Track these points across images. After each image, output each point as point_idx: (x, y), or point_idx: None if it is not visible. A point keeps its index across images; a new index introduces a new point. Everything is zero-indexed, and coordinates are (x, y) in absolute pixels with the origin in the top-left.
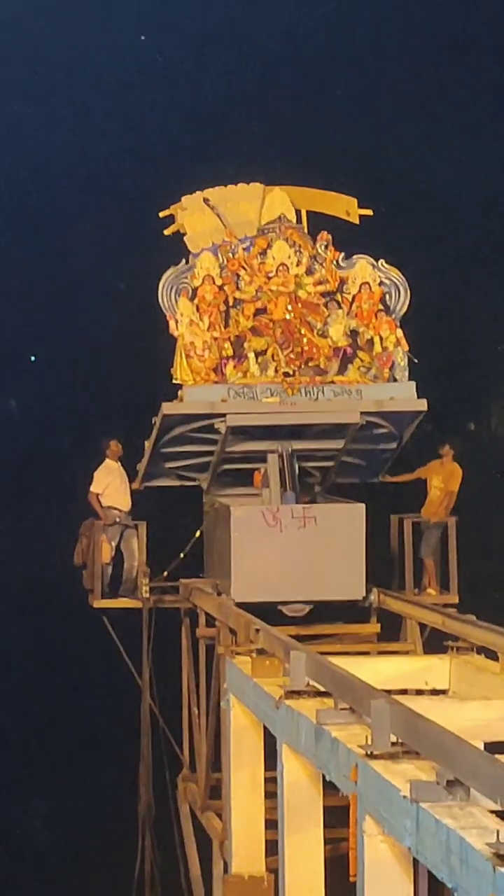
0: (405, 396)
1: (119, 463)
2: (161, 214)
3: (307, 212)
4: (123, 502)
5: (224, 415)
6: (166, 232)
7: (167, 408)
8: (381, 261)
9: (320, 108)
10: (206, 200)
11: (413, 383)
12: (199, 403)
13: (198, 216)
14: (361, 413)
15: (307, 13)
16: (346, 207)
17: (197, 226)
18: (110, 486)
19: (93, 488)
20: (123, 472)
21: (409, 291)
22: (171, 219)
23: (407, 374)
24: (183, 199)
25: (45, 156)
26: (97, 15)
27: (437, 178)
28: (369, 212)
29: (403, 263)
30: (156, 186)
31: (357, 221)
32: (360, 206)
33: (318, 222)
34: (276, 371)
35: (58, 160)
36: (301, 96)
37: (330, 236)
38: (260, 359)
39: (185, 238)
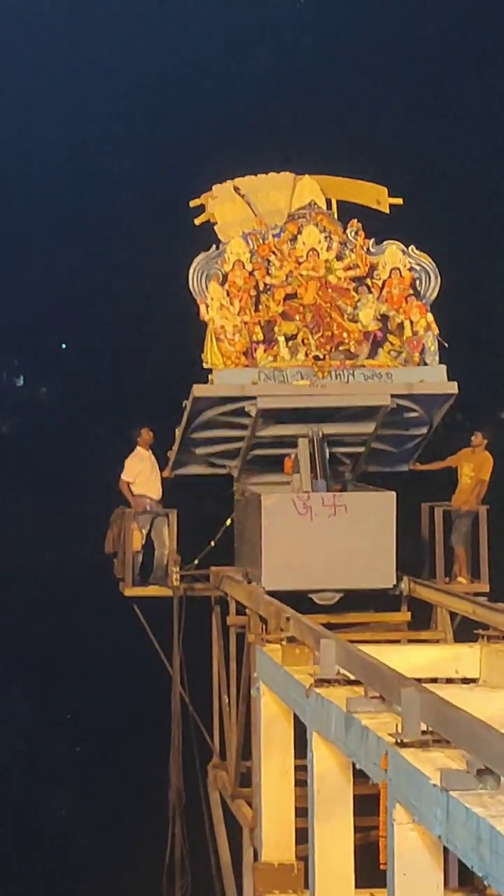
0: (436, 380)
1: (150, 451)
2: (192, 204)
3: (337, 201)
4: (154, 490)
5: (254, 398)
6: (197, 221)
7: (198, 390)
8: (412, 247)
9: (350, 98)
10: (236, 189)
11: (443, 367)
12: (230, 386)
13: (228, 205)
14: (392, 395)
15: (337, 2)
16: (377, 196)
17: (227, 215)
18: (141, 474)
19: (124, 476)
20: (154, 460)
21: (439, 277)
22: (201, 208)
23: (437, 358)
24: (214, 188)
25: (78, 145)
26: (131, 6)
27: (469, 163)
28: (399, 200)
29: (435, 252)
30: (187, 175)
31: (387, 210)
32: (390, 195)
33: (347, 212)
34: (307, 355)
35: (90, 150)
36: (331, 86)
37: (360, 224)
38: (290, 343)
39: (215, 227)
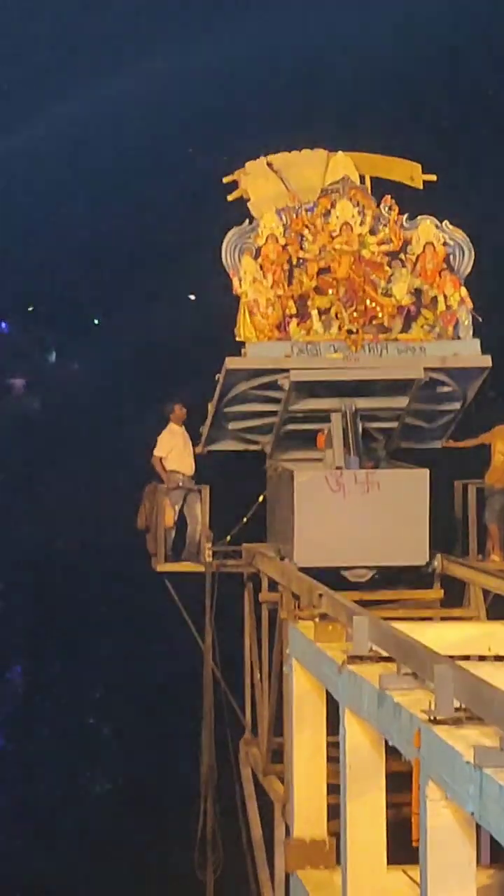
0: (469, 353)
1: (183, 427)
2: (225, 180)
3: (371, 178)
4: (187, 466)
5: (287, 370)
6: (230, 197)
7: (231, 363)
8: (446, 222)
9: (383, 76)
10: (269, 164)
11: (477, 340)
12: (263, 359)
13: (261, 182)
14: (425, 369)
15: None
16: (411, 173)
17: (260, 191)
18: (174, 449)
19: (156, 452)
20: (187, 435)
21: (473, 252)
22: (234, 185)
23: (471, 332)
24: (247, 164)
25: (110, 120)
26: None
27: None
28: (433, 177)
29: (470, 228)
30: (221, 151)
31: (421, 186)
32: (424, 172)
33: (382, 189)
34: (340, 329)
35: (125, 125)
36: (363, 65)
37: (393, 199)
38: (323, 317)
39: (248, 204)
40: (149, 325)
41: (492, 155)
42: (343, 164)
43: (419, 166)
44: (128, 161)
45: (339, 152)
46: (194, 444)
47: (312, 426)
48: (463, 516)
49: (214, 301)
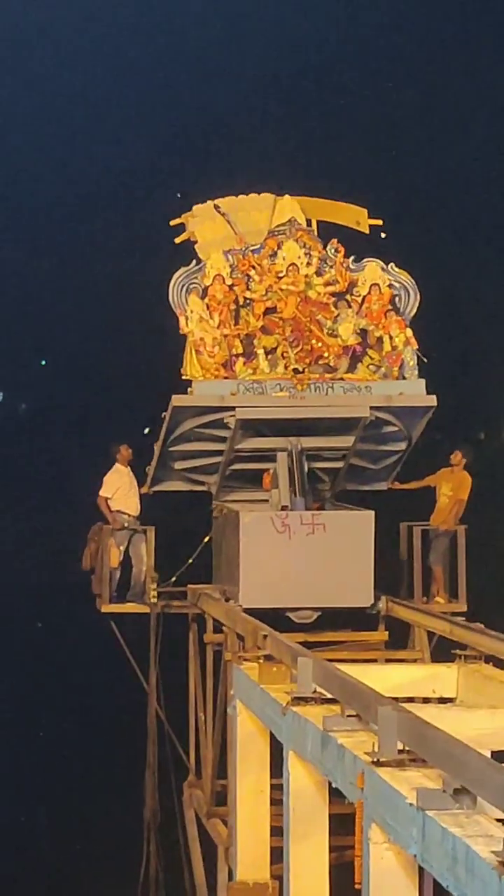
0: (415, 393)
1: (129, 468)
2: (172, 223)
3: (318, 222)
4: (132, 507)
5: (233, 408)
6: (177, 240)
7: (177, 400)
8: (391, 264)
9: (330, 120)
10: (217, 207)
11: (423, 381)
12: (209, 396)
13: (208, 224)
14: (371, 408)
15: (316, 24)
16: (357, 217)
17: (208, 234)
18: (119, 490)
19: (102, 492)
20: (133, 476)
21: (418, 294)
22: (182, 227)
23: (416, 373)
24: (194, 207)
25: (56, 162)
26: (107, 28)
27: (448, 184)
28: (379, 221)
29: (416, 271)
30: (166, 194)
31: (367, 231)
32: (370, 216)
33: (330, 233)
34: (286, 368)
35: (70, 169)
36: (311, 108)
37: (341, 246)
38: (270, 356)
39: (195, 246)
40: (95, 366)
41: (439, 200)
42: (290, 208)
43: (365, 211)
44: (72, 202)
45: (286, 196)
46: (140, 485)
47: (258, 465)
48: (408, 558)
49: (162, 342)
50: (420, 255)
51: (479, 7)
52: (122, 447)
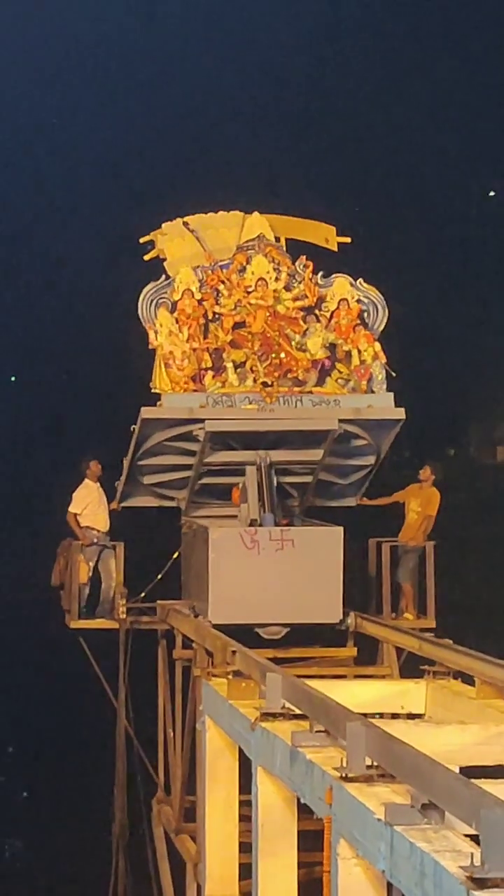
0: (383, 406)
1: (98, 483)
2: (142, 240)
3: (286, 240)
4: (102, 523)
5: (203, 421)
6: (146, 257)
7: (146, 412)
8: (360, 280)
9: (301, 137)
10: (185, 224)
11: (391, 394)
12: (179, 409)
13: (178, 241)
14: (339, 420)
15: (286, 42)
16: (325, 235)
17: (177, 251)
18: (89, 506)
19: (71, 508)
20: (102, 492)
21: (387, 310)
22: (151, 245)
23: (385, 386)
24: (163, 225)
25: (28, 177)
26: (75, 51)
27: (420, 202)
28: (347, 239)
29: (385, 288)
30: (136, 211)
31: (336, 249)
32: (339, 234)
33: (296, 251)
34: (255, 381)
35: (40, 182)
36: (281, 124)
37: (310, 262)
38: (239, 370)
39: (164, 263)
40: (65, 381)
41: (406, 216)
42: (259, 225)
43: (333, 229)
44: (43, 218)
45: (255, 213)
46: (109, 501)
47: (227, 480)
48: (377, 575)
49: (132, 358)
50: (388, 272)
51: (445, 23)
52: (91, 463)
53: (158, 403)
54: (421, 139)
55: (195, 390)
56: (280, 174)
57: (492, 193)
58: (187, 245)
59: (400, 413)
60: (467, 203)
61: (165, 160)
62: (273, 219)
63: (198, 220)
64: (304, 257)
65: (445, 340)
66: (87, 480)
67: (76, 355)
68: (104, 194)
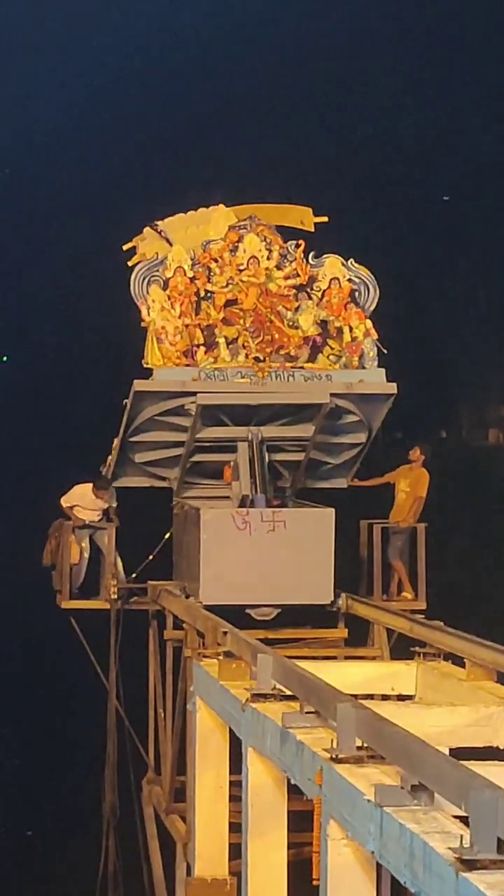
0: (375, 381)
1: (98, 501)
2: (124, 247)
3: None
4: (91, 517)
5: (195, 394)
6: (130, 262)
7: (139, 385)
8: (351, 260)
9: (288, 122)
10: (153, 226)
11: (382, 370)
12: (171, 382)
13: (157, 244)
14: (331, 394)
15: (260, 37)
16: (301, 217)
17: (156, 253)
18: (79, 506)
19: (64, 501)
20: (100, 503)
21: (377, 289)
22: (133, 251)
23: (376, 363)
24: (144, 230)
25: (15, 167)
26: (59, 59)
27: (417, 182)
28: (325, 219)
29: (377, 269)
30: (121, 209)
31: (312, 229)
32: (321, 214)
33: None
34: (247, 357)
35: (29, 172)
36: (262, 108)
37: (301, 241)
38: (231, 346)
39: None
40: (59, 364)
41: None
42: (224, 217)
43: (310, 210)
44: (32, 208)
45: (221, 206)
46: (99, 482)
47: (219, 457)
48: (368, 556)
49: (124, 341)
50: (380, 253)
51: (431, 19)
52: (102, 491)
53: (150, 378)
54: (414, 115)
55: (187, 365)
56: (264, 158)
57: (446, 198)
58: (165, 247)
59: (392, 388)
60: (461, 181)
61: (147, 160)
62: (246, 208)
63: (168, 222)
64: (300, 240)
65: (438, 322)
66: (91, 488)
67: (69, 337)
68: (84, 195)
